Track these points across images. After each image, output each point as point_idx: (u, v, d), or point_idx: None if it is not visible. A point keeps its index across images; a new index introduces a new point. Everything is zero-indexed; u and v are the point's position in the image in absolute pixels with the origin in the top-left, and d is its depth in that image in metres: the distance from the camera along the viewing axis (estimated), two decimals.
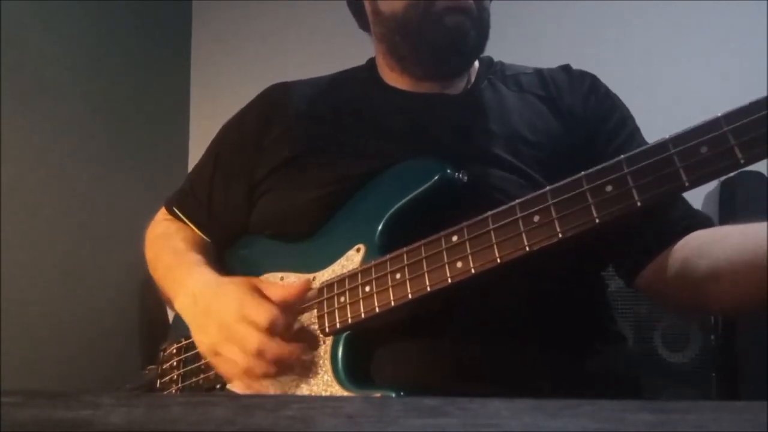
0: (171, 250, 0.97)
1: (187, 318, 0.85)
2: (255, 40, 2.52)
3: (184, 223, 1.03)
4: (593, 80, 0.95)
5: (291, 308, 0.77)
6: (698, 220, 0.83)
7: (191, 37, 2.58)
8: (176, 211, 1.03)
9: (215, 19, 2.56)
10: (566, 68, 0.96)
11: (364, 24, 0.99)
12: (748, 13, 2.06)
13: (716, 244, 0.76)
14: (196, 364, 0.89)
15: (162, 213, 1.07)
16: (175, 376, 0.92)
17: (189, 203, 1.02)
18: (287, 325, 0.74)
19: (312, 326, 0.78)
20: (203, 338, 0.79)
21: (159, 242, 1.02)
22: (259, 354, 0.73)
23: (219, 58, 2.53)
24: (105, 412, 0.34)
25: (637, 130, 0.91)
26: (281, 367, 0.74)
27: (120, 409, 0.34)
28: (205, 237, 1.01)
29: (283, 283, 0.83)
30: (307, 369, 0.77)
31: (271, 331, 0.73)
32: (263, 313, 0.73)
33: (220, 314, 0.76)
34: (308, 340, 0.77)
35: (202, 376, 0.88)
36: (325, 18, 2.38)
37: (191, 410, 0.35)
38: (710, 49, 2.11)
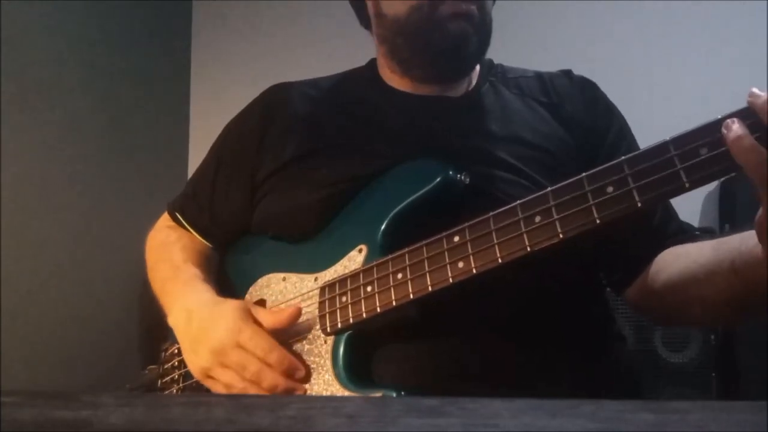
0: (168, 262, 0.97)
1: (179, 335, 0.85)
2: (255, 40, 2.52)
3: (186, 228, 1.02)
4: (594, 89, 0.95)
5: (284, 335, 0.78)
6: (685, 237, 0.84)
7: (191, 37, 2.58)
8: (178, 216, 1.03)
9: (215, 19, 2.56)
10: (568, 74, 0.96)
11: (366, 23, 0.99)
12: (748, 13, 2.05)
13: (677, 260, 0.80)
14: None
15: (164, 219, 1.07)
16: (176, 376, 0.92)
17: (191, 208, 1.02)
18: (281, 357, 0.75)
19: (313, 326, 0.78)
20: (195, 360, 0.80)
21: (158, 251, 1.01)
22: (257, 381, 0.74)
23: (219, 58, 2.53)
24: (105, 412, 0.34)
25: (634, 141, 0.92)
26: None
27: (120, 409, 0.34)
28: (207, 243, 1.01)
29: (274, 309, 0.82)
30: (308, 369, 0.77)
31: (268, 361, 0.74)
32: (261, 343, 0.75)
33: (215, 339, 0.77)
34: (309, 340, 0.78)
35: None
36: (325, 18, 2.38)
37: (191, 410, 0.35)
38: (710, 49, 2.11)
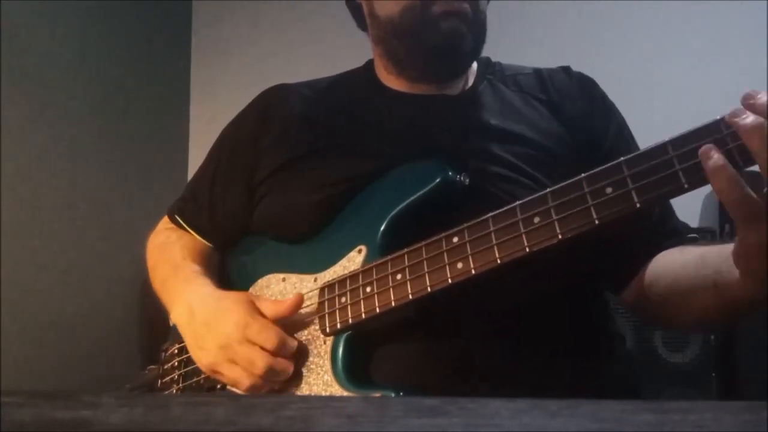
0: (169, 261, 0.97)
1: (183, 330, 0.85)
2: (255, 41, 2.52)
3: (186, 230, 1.03)
4: (592, 86, 0.95)
5: (290, 325, 0.78)
6: (680, 240, 0.85)
7: (191, 37, 2.58)
8: (177, 218, 1.04)
9: (215, 19, 2.56)
10: (566, 70, 0.96)
11: (362, 24, 0.99)
12: (748, 13, 2.05)
13: (667, 267, 0.81)
14: (196, 365, 0.89)
15: (164, 222, 1.08)
16: (176, 377, 0.92)
17: (190, 210, 1.03)
18: (292, 348, 0.76)
19: (313, 326, 0.78)
20: (202, 355, 0.81)
21: (158, 252, 1.02)
22: (268, 375, 0.75)
23: (219, 58, 2.53)
24: (105, 412, 0.34)
25: (632, 137, 0.93)
26: (287, 382, 0.77)
27: (120, 409, 0.34)
28: (206, 243, 1.01)
29: (275, 299, 0.83)
30: (307, 369, 0.77)
31: (277, 353, 0.75)
32: (270, 337, 0.75)
33: (221, 335, 0.77)
34: (309, 341, 0.78)
35: (203, 376, 0.88)
36: (324, 19, 2.38)
37: (191, 410, 0.35)
38: (710, 49, 2.11)
